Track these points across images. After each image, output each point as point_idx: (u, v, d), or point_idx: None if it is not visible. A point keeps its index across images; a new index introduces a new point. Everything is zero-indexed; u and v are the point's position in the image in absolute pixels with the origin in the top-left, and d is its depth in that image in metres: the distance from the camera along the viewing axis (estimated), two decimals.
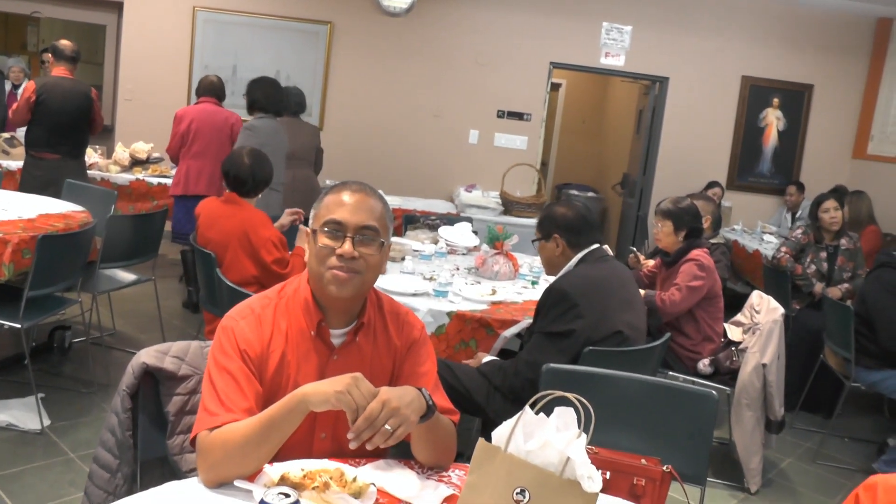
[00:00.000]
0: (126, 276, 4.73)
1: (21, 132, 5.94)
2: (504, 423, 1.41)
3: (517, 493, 1.35)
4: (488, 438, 1.46)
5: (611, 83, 10.90)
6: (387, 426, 1.54)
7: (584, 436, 1.34)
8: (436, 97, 7.77)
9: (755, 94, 8.16)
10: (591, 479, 1.29)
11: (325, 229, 1.79)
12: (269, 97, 5.22)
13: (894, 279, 4.31)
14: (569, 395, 1.33)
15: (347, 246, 1.76)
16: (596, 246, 3.15)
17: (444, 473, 1.77)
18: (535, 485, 1.35)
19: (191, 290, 5.86)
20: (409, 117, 7.76)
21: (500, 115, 7.84)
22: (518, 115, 7.85)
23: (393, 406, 1.55)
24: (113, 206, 5.00)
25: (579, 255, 3.12)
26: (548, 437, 1.34)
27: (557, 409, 1.36)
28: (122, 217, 4.68)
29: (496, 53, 7.74)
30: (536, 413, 1.39)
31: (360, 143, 7.56)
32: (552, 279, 3.16)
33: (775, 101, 8.22)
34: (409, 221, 5.27)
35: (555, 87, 10.42)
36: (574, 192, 10.08)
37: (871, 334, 4.30)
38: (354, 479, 1.59)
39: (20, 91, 6.25)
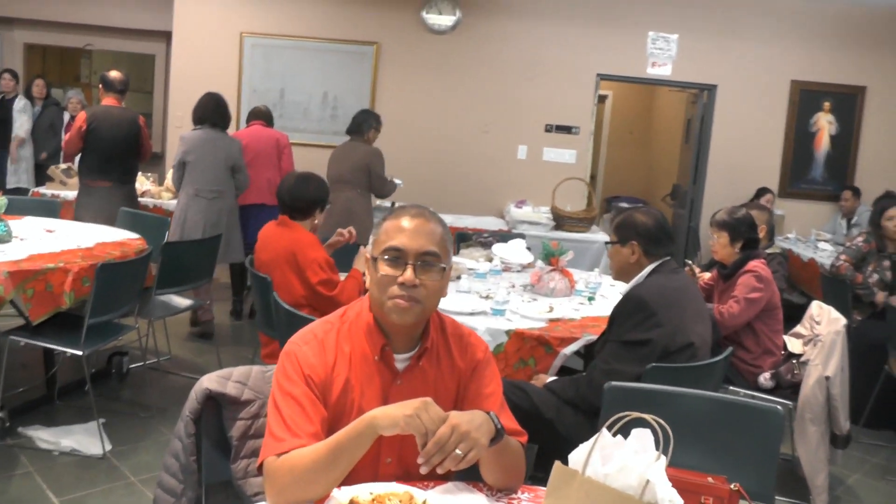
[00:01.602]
0: (181, 301, 4.79)
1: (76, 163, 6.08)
2: (580, 447, 1.38)
3: None
4: (550, 460, 1.44)
5: (657, 93, 10.83)
6: (457, 451, 1.52)
7: (663, 458, 1.31)
8: (483, 113, 7.77)
9: (805, 99, 8.02)
10: (672, 502, 1.26)
11: (386, 257, 1.78)
12: (202, 110, 5.63)
13: None
14: (647, 416, 1.30)
15: (409, 273, 1.75)
16: (669, 258, 3.15)
17: (514, 496, 1.75)
18: None
19: (235, 298, 6.27)
20: (458, 134, 7.77)
21: (549, 129, 7.81)
22: (566, 129, 7.82)
23: (463, 430, 1.54)
24: (167, 233, 5.08)
25: (653, 265, 3.12)
26: (626, 459, 1.31)
27: (635, 431, 1.33)
28: (176, 243, 4.76)
29: (542, 67, 7.71)
30: (613, 435, 1.36)
31: (409, 161, 7.58)
32: (611, 293, 3.13)
33: (826, 104, 8.05)
34: (461, 239, 5.26)
35: (601, 99, 10.37)
36: (624, 204, 9.98)
37: None
38: (424, 503, 1.58)
39: None
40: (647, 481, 1.28)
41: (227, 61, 7.62)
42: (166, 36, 8.20)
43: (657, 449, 1.32)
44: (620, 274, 3.24)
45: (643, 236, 3.12)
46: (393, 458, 1.79)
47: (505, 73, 7.73)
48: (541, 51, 7.70)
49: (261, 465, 1.67)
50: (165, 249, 4.42)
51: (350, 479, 1.65)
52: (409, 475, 1.75)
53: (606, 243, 3.33)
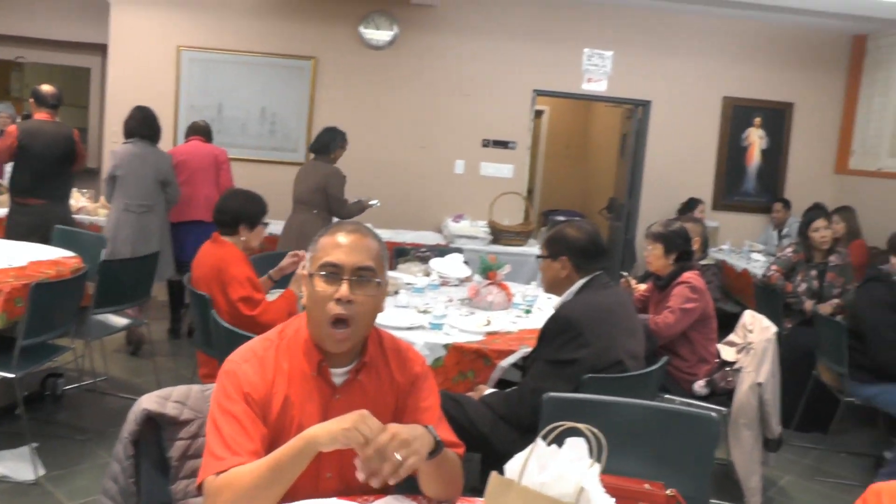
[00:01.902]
0: (118, 320, 4.72)
1: (5, 179, 5.95)
2: (516, 456, 1.42)
3: None
4: (488, 470, 1.47)
5: (593, 108, 11.00)
6: (397, 456, 1.54)
7: (597, 465, 1.34)
8: (421, 128, 7.81)
9: (737, 114, 8.25)
10: None
11: (322, 272, 1.79)
12: (131, 123, 5.63)
13: (883, 294, 4.36)
14: (580, 426, 1.34)
15: (345, 289, 1.77)
16: (600, 272, 3.15)
17: None
18: None
19: (174, 317, 6.23)
20: (396, 149, 7.79)
21: (486, 143, 7.87)
22: (503, 144, 7.89)
23: (403, 438, 1.57)
24: (103, 251, 4.99)
25: (584, 280, 3.11)
26: (561, 468, 1.35)
27: (569, 440, 1.37)
28: (113, 261, 4.68)
29: (480, 83, 7.79)
30: (548, 444, 1.40)
31: (347, 175, 7.56)
32: (547, 305, 3.17)
33: (757, 120, 8.30)
34: (399, 254, 5.28)
35: (538, 114, 10.51)
36: (561, 217, 10.11)
37: (864, 349, 4.34)
38: None
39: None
40: (582, 488, 1.32)
41: (165, 75, 7.53)
42: (102, 49, 8.07)
43: (591, 457, 1.36)
44: (552, 287, 3.24)
45: (574, 251, 3.11)
46: (333, 473, 1.80)
47: (442, 88, 7.78)
48: (478, 66, 7.77)
49: (200, 485, 1.66)
50: (102, 268, 4.34)
51: (290, 496, 1.66)
52: (349, 489, 1.77)
53: (537, 257, 3.32)
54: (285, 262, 4.03)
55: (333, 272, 1.78)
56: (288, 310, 3.65)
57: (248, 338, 2.06)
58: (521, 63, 7.80)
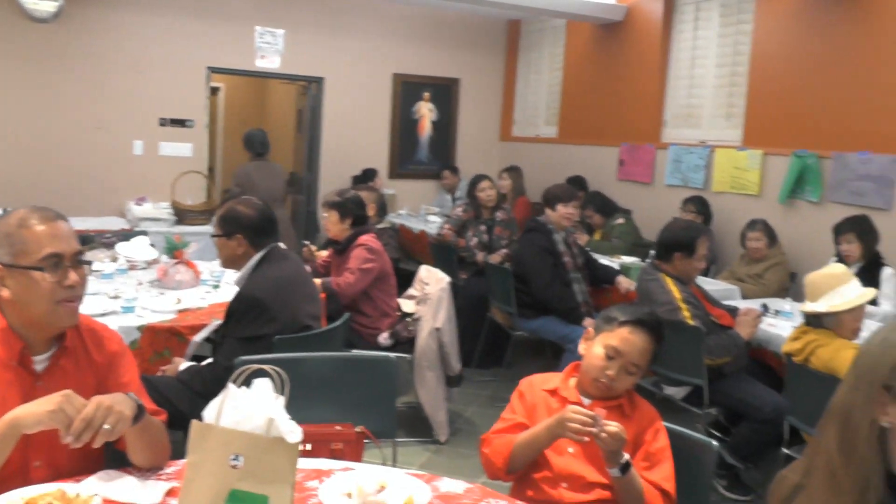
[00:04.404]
0: None
1: None
2: (212, 402, 1.61)
3: (232, 460, 1.55)
4: None
5: (269, 85, 11.10)
6: (105, 426, 1.63)
7: (281, 398, 1.58)
8: (96, 108, 7.38)
9: (407, 90, 8.82)
10: (293, 432, 1.54)
11: (44, 265, 1.79)
12: None
13: (541, 241, 5.04)
14: (264, 366, 1.57)
15: (74, 276, 1.82)
16: (275, 244, 3.29)
17: (163, 472, 1.89)
18: (247, 448, 1.55)
19: None
20: (68, 131, 7.30)
21: (163, 122, 7.68)
22: (181, 122, 7.75)
23: (106, 405, 1.65)
24: None
25: (261, 254, 3.23)
26: (252, 405, 1.56)
27: (256, 381, 1.59)
28: None
29: (153, 60, 7.53)
30: (239, 387, 1.61)
31: (16, 162, 7.03)
32: (233, 279, 3.30)
33: (426, 95, 8.95)
34: (83, 242, 5.06)
35: (214, 92, 10.40)
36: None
37: (527, 289, 5.00)
38: (78, 496, 1.67)
39: None
40: (271, 419, 1.55)
41: None
42: None
43: (276, 392, 1.59)
44: (230, 264, 3.32)
45: (248, 228, 3.21)
46: (42, 462, 1.82)
47: (115, 65, 7.42)
48: (150, 43, 7.52)
49: None
50: None
51: (0, 490, 1.67)
52: (60, 476, 1.80)
53: (212, 236, 3.37)
54: None
55: (57, 262, 1.81)
56: None
57: None
58: (194, 40, 7.67)
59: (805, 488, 1.38)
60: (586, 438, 1.97)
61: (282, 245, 3.37)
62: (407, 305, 4.39)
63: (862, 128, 5.28)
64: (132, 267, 4.64)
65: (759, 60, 6.09)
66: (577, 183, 7.27)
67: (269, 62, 8.06)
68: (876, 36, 5.21)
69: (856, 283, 3.36)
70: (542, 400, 2.26)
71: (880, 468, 1.29)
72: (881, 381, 1.28)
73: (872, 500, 1.28)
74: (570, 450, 2.14)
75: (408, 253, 7.37)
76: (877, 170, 5.17)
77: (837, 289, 3.30)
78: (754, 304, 4.37)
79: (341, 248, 4.37)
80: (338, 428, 2.59)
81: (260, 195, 6.01)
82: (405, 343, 4.30)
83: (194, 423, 1.61)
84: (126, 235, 5.30)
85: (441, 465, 4.07)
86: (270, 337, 3.01)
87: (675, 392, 4.06)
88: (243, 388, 1.59)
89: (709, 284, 4.98)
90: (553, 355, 5.58)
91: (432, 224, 7.30)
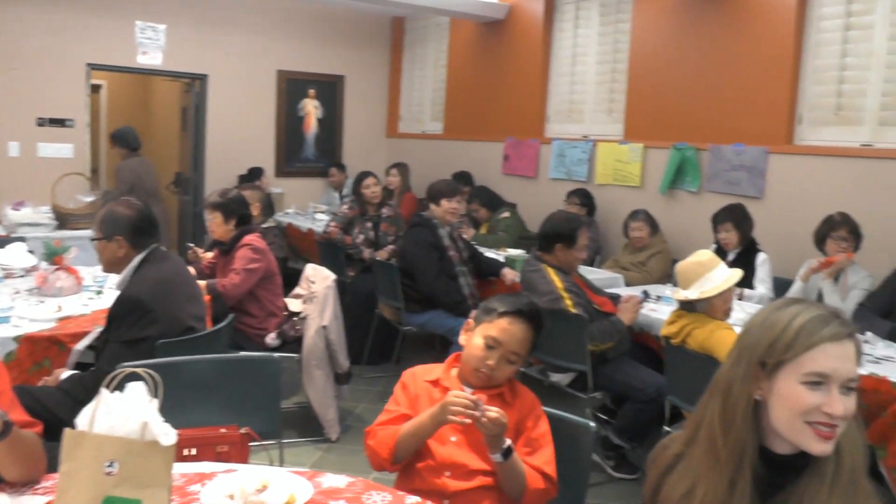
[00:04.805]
0: None
1: None
2: (85, 409, 1.58)
3: (107, 467, 1.54)
4: None
5: (153, 82, 10.79)
6: None
7: (155, 400, 1.57)
8: None
9: (292, 87, 8.74)
10: (167, 434, 1.54)
11: None
12: None
13: (426, 235, 5.10)
14: (137, 369, 1.55)
15: None
16: (155, 245, 3.22)
17: (39, 486, 1.83)
18: (122, 454, 1.54)
19: None
20: None
21: (41, 122, 7.35)
22: (60, 122, 7.45)
23: None
24: None
25: (141, 255, 3.16)
26: (126, 409, 1.55)
27: (129, 385, 1.57)
28: None
29: (30, 56, 7.19)
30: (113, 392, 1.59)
31: None
32: (118, 285, 3.22)
33: (311, 91, 8.89)
34: None
35: (95, 89, 10.05)
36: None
37: (413, 283, 5.06)
38: None
39: None
40: (145, 423, 1.54)
41: None
42: None
43: (150, 395, 1.58)
44: (110, 267, 3.24)
45: (128, 230, 3.14)
46: None
47: None
48: (25, 39, 7.18)
49: None
50: None
51: None
52: None
53: (92, 239, 3.29)
54: None
55: None
56: None
57: None
58: (72, 36, 7.38)
59: (685, 457, 1.50)
60: (468, 421, 2.02)
61: (163, 248, 3.31)
62: (294, 304, 4.38)
63: (736, 121, 5.56)
64: (8, 275, 4.46)
65: (638, 58, 6.32)
66: (464, 178, 7.38)
67: (151, 58, 7.86)
68: (745, 35, 5.49)
69: (723, 268, 3.54)
70: (425, 391, 2.31)
71: (754, 440, 1.41)
72: (757, 357, 1.41)
73: (747, 469, 1.39)
74: (453, 438, 2.19)
75: (296, 252, 7.32)
76: (750, 160, 5.45)
77: (706, 275, 3.47)
78: (636, 291, 4.54)
79: (226, 249, 4.32)
80: (222, 430, 2.58)
81: (147, 191, 5.96)
82: (293, 342, 4.29)
83: (67, 431, 1.58)
84: (1, 242, 5.09)
85: (333, 462, 4.08)
86: (154, 339, 2.96)
87: (562, 378, 4.19)
88: (117, 392, 1.57)
89: (594, 273, 5.17)
90: (442, 349, 5.66)
91: (320, 222, 7.27)
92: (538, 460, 2.18)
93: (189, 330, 3.13)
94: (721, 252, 4.84)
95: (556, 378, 4.22)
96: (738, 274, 3.53)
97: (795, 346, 1.37)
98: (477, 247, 5.65)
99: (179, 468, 1.89)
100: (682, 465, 1.51)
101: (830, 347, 1.36)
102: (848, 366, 1.37)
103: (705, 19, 5.78)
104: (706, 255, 3.60)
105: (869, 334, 3.69)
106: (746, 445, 1.41)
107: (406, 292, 5.10)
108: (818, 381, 1.36)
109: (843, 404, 1.34)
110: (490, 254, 5.66)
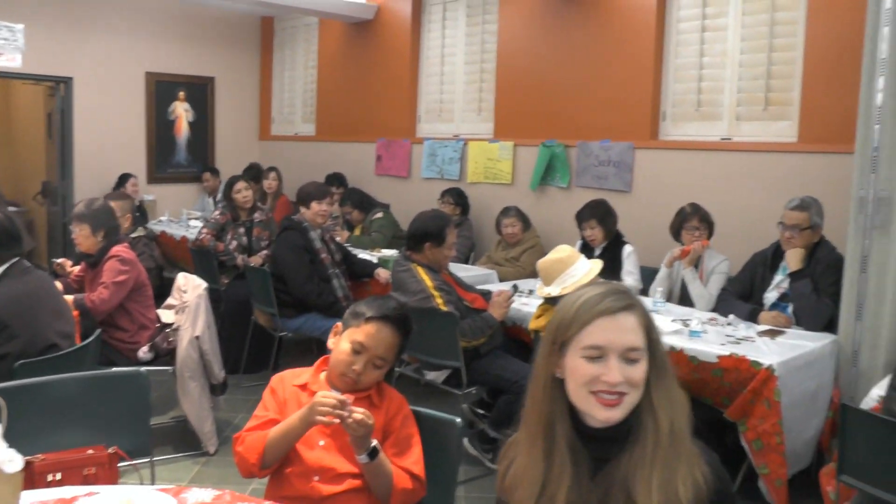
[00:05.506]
0: None
1: None
2: None
3: None
4: None
5: (13, 86, 10.29)
6: None
7: None
8: None
9: (161, 90, 8.54)
10: (12, 461, 1.52)
11: None
12: None
13: (297, 238, 5.10)
14: None
15: None
16: (17, 259, 3.13)
17: None
18: None
19: None
20: None
21: None
22: None
23: None
24: None
25: (2, 268, 3.07)
26: None
27: None
28: None
29: None
30: None
31: None
32: None
33: (181, 94, 8.70)
34: None
35: None
36: None
37: (287, 288, 5.04)
38: None
39: None
40: None
41: None
42: None
43: None
44: None
45: None
46: None
47: None
48: None
49: None
50: None
51: None
52: None
53: None
54: None
55: None
56: None
57: None
58: None
59: (516, 442, 1.60)
60: (336, 421, 2.05)
61: (26, 262, 3.20)
62: (166, 315, 4.30)
63: (602, 118, 5.79)
64: None
65: (505, 58, 6.48)
66: (337, 179, 7.40)
67: (10, 61, 7.44)
68: (610, 35, 5.74)
69: (583, 261, 3.70)
70: (294, 395, 2.32)
71: (563, 414, 1.53)
72: (551, 338, 1.53)
73: (561, 442, 1.51)
74: (321, 443, 2.23)
75: (171, 261, 7.16)
76: (616, 156, 5.69)
77: (566, 271, 3.62)
78: (506, 286, 4.66)
79: (94, 262, 4.19)
80: (90, 452, 2.51)
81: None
82: (167, 355, 4.20)
83: None
84: None
85: (211, 476, 4.02)
86: (13, 358, 2.87)
87: (437, 376, 4.27)
88: None
89: (468, 270, 5.29)
90: (319, 353, 5.59)
91: (194, 229, 7.10)
92: (406, 461, 2.24)
93: (53, 347, 3.04)
94: (587, 248, 5.03)
95: (432, 376, 4.29)
96: (598, 265, 3.68)
97: (575, 324, 1.49)
98: (351, 248, 5.69)
99: (40, 495, 1.86)
100: (513, 449, 1.63)
101: (603, 321, 1.47)
102: (625, 337, 1.47)
103: (570, 20, 5.98)
104: (566, 250, 3.73)
105: (731, 316, 3.97)
106: (554, 419, 1.52)
107: (279, 297, 5.08)
108: (597, 355, 1.47)
109: (620, 372, 1.45)
110: (364, 255, 5.70)
